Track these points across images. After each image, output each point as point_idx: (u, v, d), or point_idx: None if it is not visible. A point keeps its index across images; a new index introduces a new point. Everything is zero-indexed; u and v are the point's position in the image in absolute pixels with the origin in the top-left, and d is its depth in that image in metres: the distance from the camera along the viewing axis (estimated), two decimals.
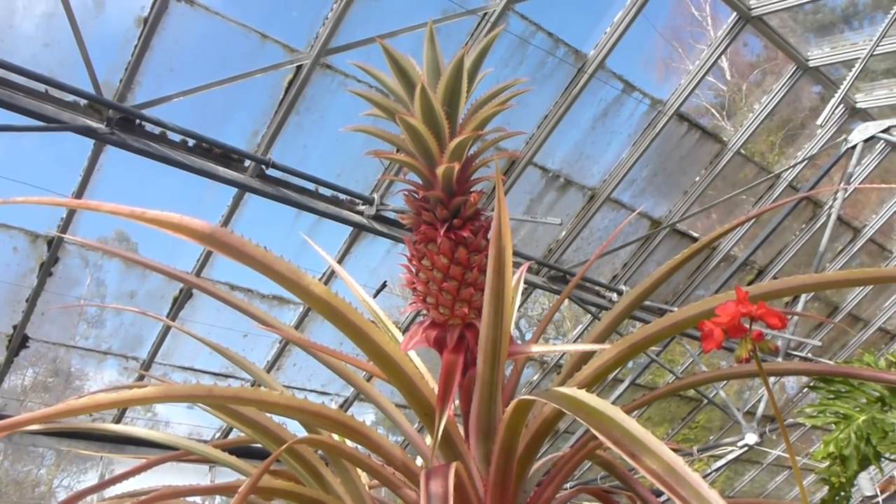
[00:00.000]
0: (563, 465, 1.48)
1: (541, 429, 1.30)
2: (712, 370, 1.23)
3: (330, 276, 5.59)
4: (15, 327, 5.02)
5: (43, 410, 0.95)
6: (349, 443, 1.40)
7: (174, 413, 7.66)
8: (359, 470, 1.61)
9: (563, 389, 1.10)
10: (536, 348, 1.23)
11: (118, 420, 5.75)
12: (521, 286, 1.75)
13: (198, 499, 1.78)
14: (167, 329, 5.52)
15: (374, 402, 1.45)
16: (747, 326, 0.63)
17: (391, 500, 1.71)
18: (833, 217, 6.41)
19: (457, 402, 1.36)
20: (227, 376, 6.19)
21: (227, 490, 1.35)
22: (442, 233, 1.13)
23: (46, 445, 6.15)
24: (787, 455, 9.32)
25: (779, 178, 6.74)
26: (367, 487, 1.62)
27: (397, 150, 1.20)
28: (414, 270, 1.21)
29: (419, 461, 1.66)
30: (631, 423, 0.97)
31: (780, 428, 0.75)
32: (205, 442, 1.79)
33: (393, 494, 1.71)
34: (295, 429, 1.57)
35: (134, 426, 1.72)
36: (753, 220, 6.95)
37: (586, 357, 1.45)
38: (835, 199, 6.63)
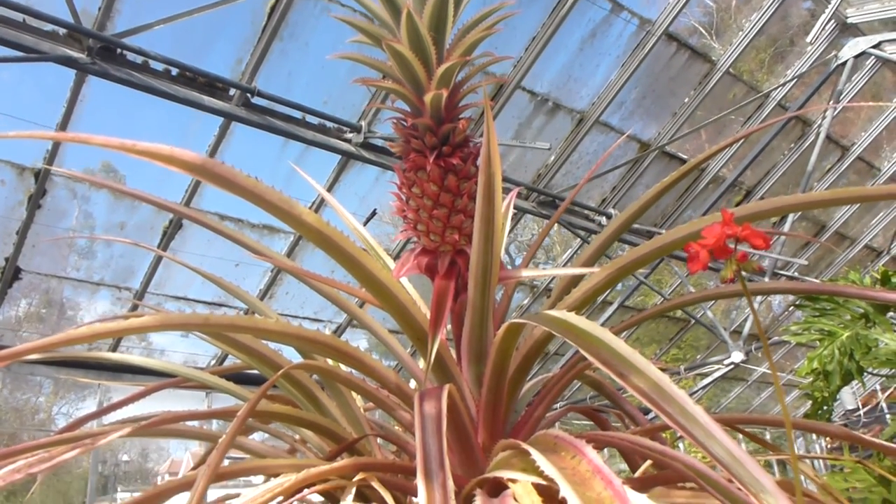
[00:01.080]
0: (553, 385, 1.52)
1: (531, 350, 1.33)
2: (699, 291, 1.26)
3: (320, 205, 5.58)
4: (7, 259, 5.03)
5: (42, 340, 0.97)
6: (344, 368, 1.44)
7: (169, 342, 7.76)
8: (353, 393, 1.66)
9: (552, 312, 1.12)
10: (526, 273, 1.25)
11: (114, 349, 5.82)
12: (511, 212, 1.76)
13: (195, 423, 1.83)
14: (159, 259, 5.53)
15: (367, 328, 1.48)
16: (732, 247, 0.64)
17: (386, 422, 1.76)
18: (822, 136, 6.41)
19: (449, 326, 1.39)
20: (220, 305, 6.25)
21: (225, 414, 1.38)
22: (431, 160, 1.13)
23: (45, 374, 6.25)
24: (771, 372, 9.55)
25: (768, 97, 6.69)
26: (362, 410, 1.67)
27: (384, 77, 1.19)
28: (404, 198, 1.22)
29: (412, 384, 1.71)
30: (619, 344, 1.00)
31: (764, 347, 0.78)
32: (201, 369, 1.82)
33: (387, 417, 1.77)
34: (290, 355, 1.61)
35: (130, 354, 1.74)
36: (742, 140, 6.94)
37: (576, 280, 1.47)
38: (823, 118, 6.61)
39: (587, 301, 1.22)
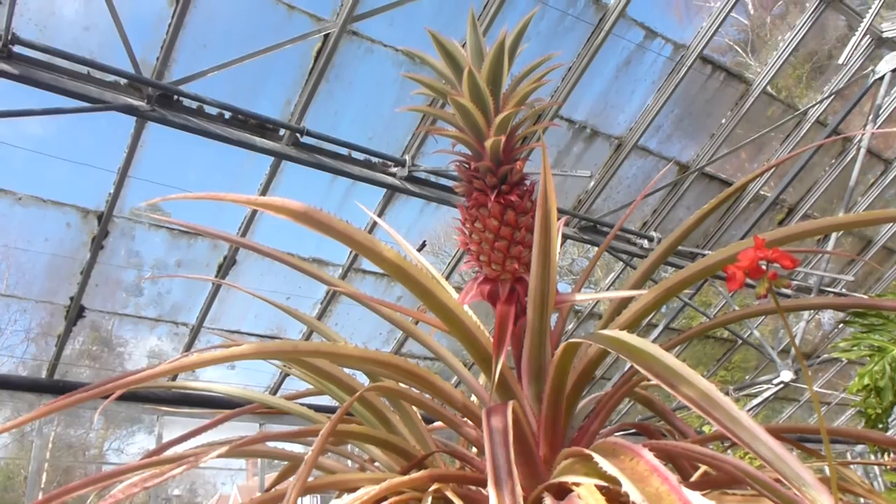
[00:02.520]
0: (607, 401, 1.63)
1: (587, 369, 1.44)
2: (741, 309, 1.36)
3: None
4: (72, 298, 5.29)
5: (153, 369, 1.10)
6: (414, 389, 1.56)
7: (219, 375, 7.98)
8: (418, 414, 1.78)
9: (606, 332, 1.24)
10: (580, 296, 1.37)
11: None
12: (560, 239, 1.89)
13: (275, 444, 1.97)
14: (214, 295, 5.75)
15: (430, 348, 1.60)
16: (765, 268, 0.75)
17: (449, 440, 1.88)
18: (862, 151, 6.41)
19: (509, 347, 1.51)
20: (272, 337, 6.45)
21: (308, 433, 1.51)
22: (492, 198, 1.26)
23: (104, 408, 6.45)
24: (826, 391, 9.43)
25: (806, 114, 6.72)
26: (427, 430, 1.79)
27: (434, 122, 1.33)
28: (468, 233, 1.35)
29: (473, 400, 1.83)
30: (669, 358, 1.11)
31: (799, 361, 0.89)
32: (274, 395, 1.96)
33: (450, 437, 1.89)
34: (360, 379, 1.74)
35: (211, 382, 1.89)
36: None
37: (625, 303, 1.59)
38: (864, 134, 6.61)
39: (637, 321, 1.34)
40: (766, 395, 7.39)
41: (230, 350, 1.18)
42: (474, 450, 1.70)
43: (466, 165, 1.31)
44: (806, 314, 7.51)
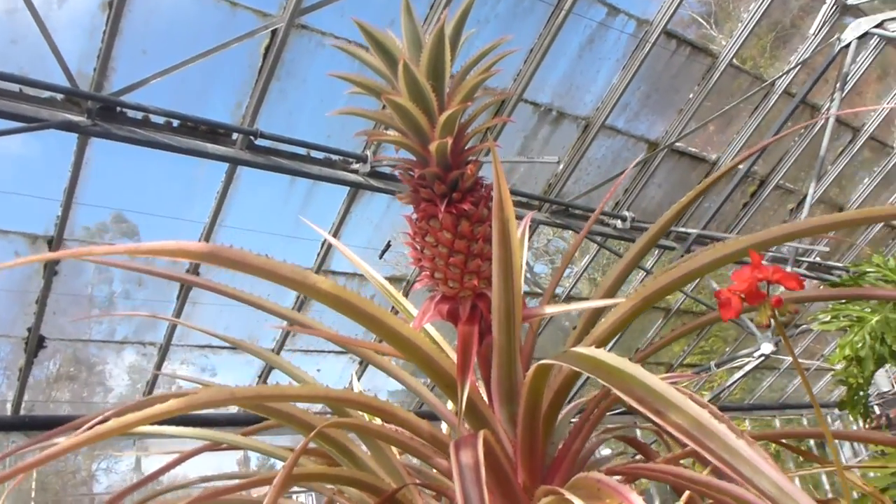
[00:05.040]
0: (588, 415, 1.50)
1: (563, 386, 1.30)
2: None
3: (334, 236, 5.57)
4: (29, 330, 5.05)
5: (78, 437, 0.97)
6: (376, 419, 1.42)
7: (204, 376, 7.77)
8: None
9: (580, 350, 1.10)
10: (550, 309, 1.23)
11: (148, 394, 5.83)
12: (527, 237, 1.74)
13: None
14: (180, 310, 5.54)
15: (390, 374, 1.46)
16: (765, 292, 0.62)
17: (423, 466, 1.73)
18: (831, 121, 6.34)
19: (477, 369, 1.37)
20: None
21: (263, 482, 1.36)
22: (442, 209, 1.11)
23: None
24: (806, 361, 9.43)
25: (773, 85, 6.64)
26: (397, 456, 1.65)
27: (385, 128, 1.17)
28: (419, 248, 1.20)
29: (444, 426, 1.69)
30: (653, 380, 0.97)
31: (781, 335, 0.75)
32: (234, 423, 1.81)
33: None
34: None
35: (160, 427, 1.72)
36: (752, 131, 6.88)
37: (599, 309, 1.44)
38: (832, 102, 6.54)
39: (614, 333, 1.19)
40: (747, 368, 7.34)
41: (155, 409, 1.03)
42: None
43: (411, 173, 1.15)
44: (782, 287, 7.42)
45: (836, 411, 10.71)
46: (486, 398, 1.36)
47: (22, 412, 5.46)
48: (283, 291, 5.88)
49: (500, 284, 1.10)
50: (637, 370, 0.99)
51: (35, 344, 5.11)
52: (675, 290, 1.10)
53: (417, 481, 1.48)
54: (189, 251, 0.82)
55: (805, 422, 10.77)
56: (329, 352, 6.62)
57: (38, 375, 5.77)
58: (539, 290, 7.91)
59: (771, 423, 10.67)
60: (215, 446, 1.78)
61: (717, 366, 7.56)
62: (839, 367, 4.40)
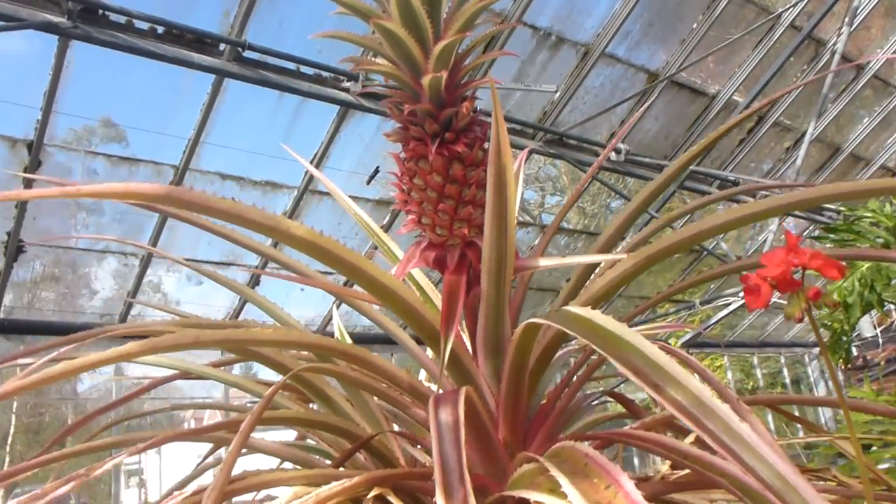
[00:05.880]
0: (577, 368, 1.44)
1: (553, 341, 1.23)
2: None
3: (322, 157, 5.44)
4: (8, 234, 4.94)
5: (22, 381, 0.90)
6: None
7: (186, 294, 7.73)
8: None
9: (574, 309, 1.02)
10: (544, 262, 1.14)
11: (124, 318, 5.80)
12: (522, 174, 1.64)
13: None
14: (164, 221, 5.42)
15: (371, 319, 1.38)
16: (799, 280, 0.53)
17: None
18: (837, 56, 6.16)
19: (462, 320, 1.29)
20: (228, 264, 6.17)
21: (229, 425, 1.30)
22: (433, 150, 1.01)
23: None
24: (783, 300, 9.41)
25: (780, 18, 6.41)
26: (375, 400, 1.59)
27: (375, 56, 1.06)
28: (406, 189, 1.10)
29: (423, 374, 1.62)
30: (653, 351, 0.90)
31: (816, 335, 0.67)
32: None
33: None
34: None
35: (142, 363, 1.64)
36: (754, 65, 6.70)
37: (595, 250, 1.36)
38: (838, 37, 6.34)
39: (612, 292, 1.12)
40: (732, 307, 7.36)
41: (112, 352, 0.95)
42: None
43: (400, 108, 1.04)
44: (773, 226, 7.40)
45: (814, 351, 10.88)
46: (470, 350, 1.30)
47: (1, 315, 5.41)
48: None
49: (492, 235, 1.01)
50: (636, 338, 0.91)
51: (14, 248, 5.01)
52: (682, 250, 1.02)
53: (395, 428, 1.43)
54: (143, 193, 0.72)
55: (782, 359, 10.93)
56: (322, 270, 6.54)
57: (24, 275, 5.67)
58: (528, 219, 7.83)
59: (749, 360, 10.83)
60: (186, 375, 1.73)
61: (703, 304, 7.57)
62: (824, 311, 4.38)
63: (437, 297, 1.42)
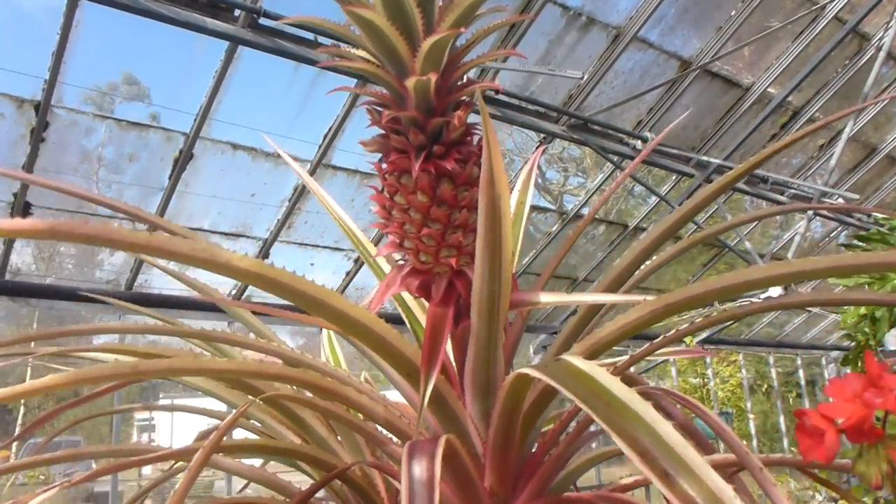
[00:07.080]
0: (575, 412, 1.28)
1: (550, 387, 1.07)
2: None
3: (337, 131, 5.27)
4: (15, 195, 4.84)
5: None
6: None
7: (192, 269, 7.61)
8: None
9: (574, 361, 0.86)
10: (545, 298, 0.97)
11: (130, 286, 5.71)
12: (534, 175, 1.47)
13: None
14: (172, 189, 5.29)
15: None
16: (881, 429, 0.37)
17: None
18: (882, 53, 5.87)
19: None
20: (238, 235, 6.03)
21: (182, 454, 1.15)
22: (418, 166, 0.84)
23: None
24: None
25: (824, 9, 6.12)
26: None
27: (354, 48, 0.89)
28: (386, 208, 0.93)
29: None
30: (666, 429, 0.74)
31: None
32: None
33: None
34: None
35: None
36: (793, 57, 6.42)
37: (605, 283, 1.19)
38: (886, 31, 6.05)
39: (620, 340, 0.95)
40: (753, 308, 7.11)
41: (37, 383, 0.82)
42: None
43: (378, 110, 0.88)
44: (801, 229, 7.16)
45: (832, 354, 10.63)
46: (458, 387, 1.14)
47: (7, 277, 5.33)
48: (277, 187, 5.63)
49: (483, 272, 0.85)
50: (647, 411, 0.75)
51: (21, 211, 4.91)
52: (705, 303, 0.85)
53: (372, 463, 1.28)
54: (27, 230, 0.57)
55: (798, 361, 10.69)
56: (324, 247, 6.41)
57: (27, 240, 5.59)
58: (548, 199, 7.62)
59: (764, 358, 10.61)
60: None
61: (721, 303, 7.35)
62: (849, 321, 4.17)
63: (423, 317, 1.26)
